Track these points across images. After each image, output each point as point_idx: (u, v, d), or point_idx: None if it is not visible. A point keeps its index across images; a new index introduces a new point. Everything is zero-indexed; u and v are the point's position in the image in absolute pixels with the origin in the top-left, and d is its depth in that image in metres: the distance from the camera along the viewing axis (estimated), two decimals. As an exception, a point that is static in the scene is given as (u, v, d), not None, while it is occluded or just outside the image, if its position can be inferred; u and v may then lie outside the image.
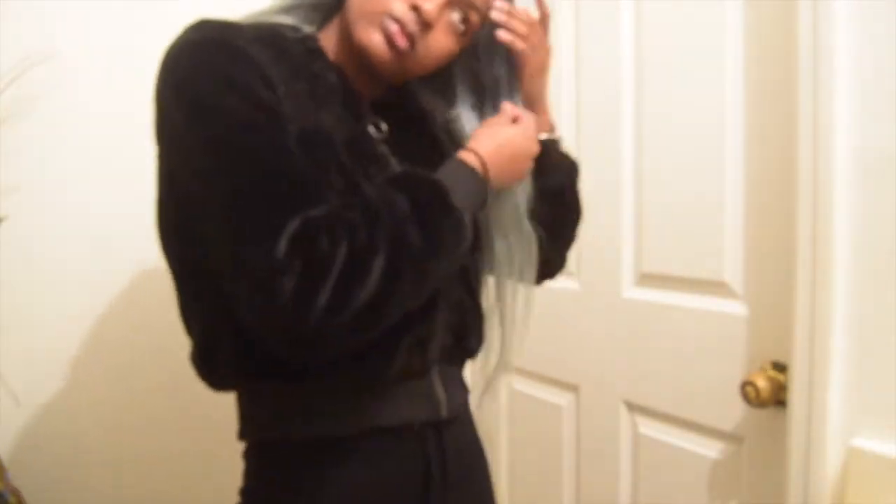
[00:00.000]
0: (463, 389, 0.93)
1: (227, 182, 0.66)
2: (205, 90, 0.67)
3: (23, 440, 1.23)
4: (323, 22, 0.81)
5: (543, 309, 1.37)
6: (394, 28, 0.73)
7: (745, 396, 0.94)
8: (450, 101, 0.86)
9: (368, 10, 0.74)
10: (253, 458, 0.81)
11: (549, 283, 1.34)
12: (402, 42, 0.73)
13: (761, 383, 0.93)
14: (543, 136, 0.87)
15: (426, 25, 0.74)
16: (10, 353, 1.20)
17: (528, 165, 0.81)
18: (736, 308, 1.02)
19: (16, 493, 1.10)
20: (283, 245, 0.62)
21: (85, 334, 1.28)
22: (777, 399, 0.93)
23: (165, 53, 0.70)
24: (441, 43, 0.77)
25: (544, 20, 0.85)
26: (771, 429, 0.96)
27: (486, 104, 0.83)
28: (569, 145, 1.28)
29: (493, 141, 0.77)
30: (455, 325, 0.85)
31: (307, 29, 0.79)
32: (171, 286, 0.77)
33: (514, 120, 0.79)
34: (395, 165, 0.78)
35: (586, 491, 1.30)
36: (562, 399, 1.35)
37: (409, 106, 0.88)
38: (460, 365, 0.92)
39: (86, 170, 1.25)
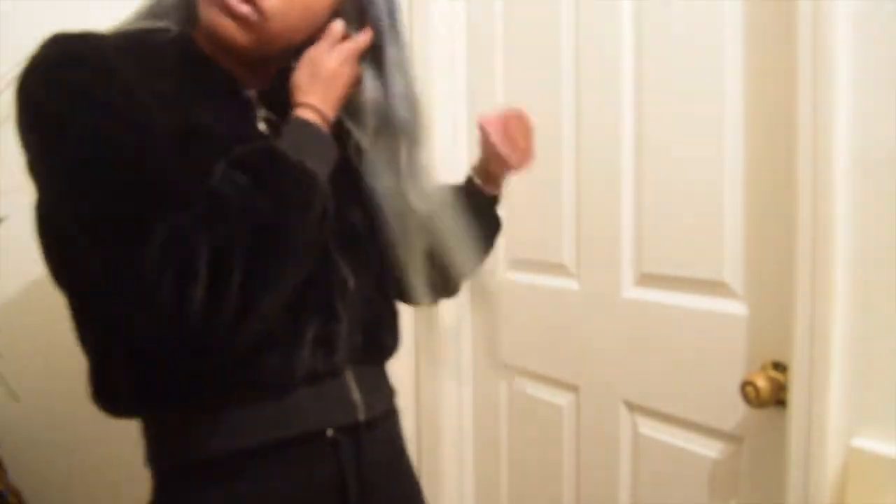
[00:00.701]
0: (385, 390, 0.89)
1: (90, 198, 0.63)
2: (60, 109, 0.64)
3: (23, 440, 1.23)
4: (196, 22, 0.76)
5: (543, 309, 1.38)
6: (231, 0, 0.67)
7: (745, 396, 0.94)
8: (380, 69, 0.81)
9: None
10: (160, 479, 0.77)
11: (549, 283, 1.35)
12: (240, 7, 0.68)
13: (761, 383, 0.93)
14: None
15: None
16: (10, 353, 1.20)
17: (347, 71, 0.76)
18: (736, 308, 1.02)
19: (16, 493, 1.10)
20: (151, 254, 0.60)
21: (85, 334, 1.28)
22: (777, 399, 0.93)
23: (20, 72, 0.67)
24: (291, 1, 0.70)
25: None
26: (771, 429, 0.96)
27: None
28: (569, 145, 1.29)
29: (314, 79, 0.74)
30: (365, 322, 0.81)
31: (176, 30, 0.75)
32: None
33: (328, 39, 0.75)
34: None
35: (586, 491, 1.30)
36: (562, 399, 1.35)
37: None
38: (380, 364, 0.88)
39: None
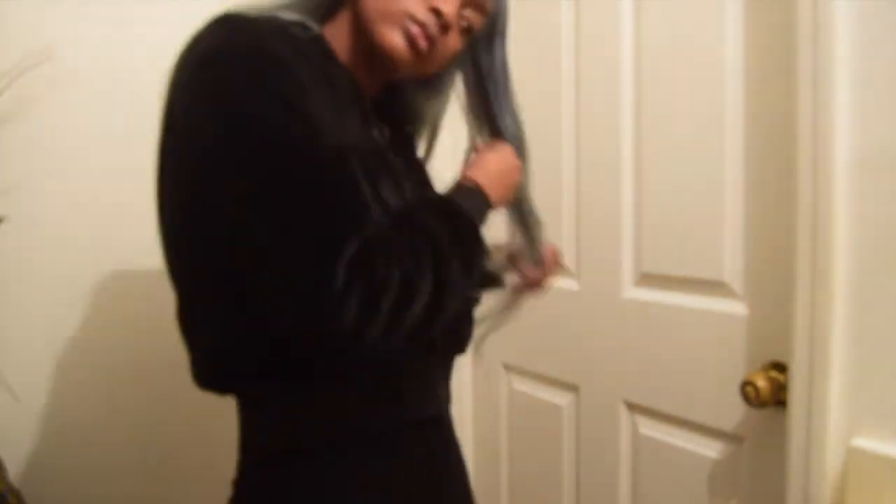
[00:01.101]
0: (450, 385, 0.95)
1: (278, 205, 0.63)
2: (249, 104, 0.64)
3: (23, 440, 1.23)
4: (323, 19, 0.79)
5: (543, 309, 1.37)
6: (416, 30, 0.73)
7: (745, 396, 0.94)
8: (442, 96, 0.91)
9: (388, 11, 0.74)
10: (258, 468, 0.76)
11: (549, 283, 1.35)
12: (424, 44, 0.74)
13: (761, 383, 0.93)
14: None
15: (445, 28, 0.75)
16: (10, 353, 1.20)
17: (515, 179, 0.86)
18: (736, 308, 1.02)
19: (16, 493, 1.10)
20: (342, 271, 0.62)
21: (85, 334, 1.28)
22: (777, 399, 0.93)
23: (192, 53, 0.67)
24: (454, 43, 0.79)
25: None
26: (771, 429, 0.96)
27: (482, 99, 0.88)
28: (569, 146, 1.29)
29: (482, 167, 0.82)
30: (458, 326, 0.86)
31: (315, 27, 0.76)
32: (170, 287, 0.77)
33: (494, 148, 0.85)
34: (404, 174, 0.79)
35: (586, 491, 1.30)
36: (562, 399, 1.35)
37: (393, 105, 0.89)
38: (453, 358, 0.93)
39: (85, 170, 1.25)
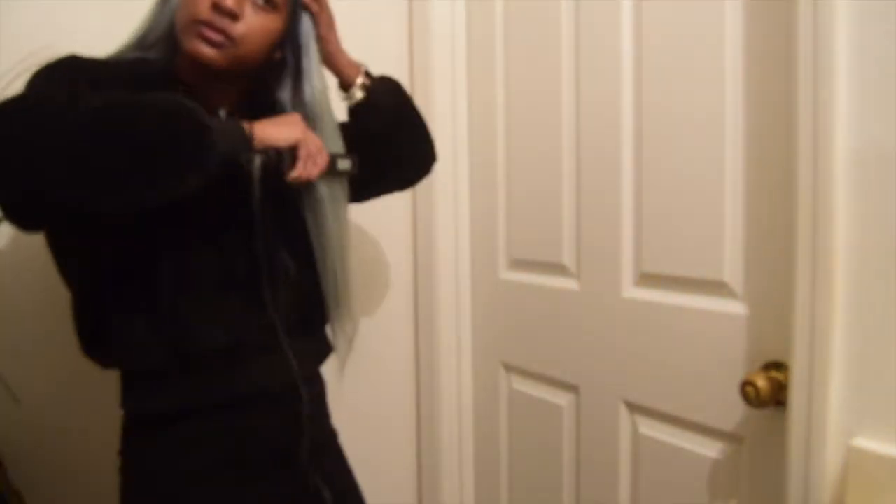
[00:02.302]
0: (318, 355, 1.07)
1: None
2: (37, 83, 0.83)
3: (23, 440, 1.23)
4: (175, 53, 0.92)
5: (543, 309, 1.38)
6: (204, 30, 0.84)
7: (745, 396, 0.94)
8: (280, 78, 0.98)
9: (183, 24, 0.86)
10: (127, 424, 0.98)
11: (549, 283, 1.35)
12: (216, 37, 0.85)
13: (761, 383, 0.93)
14: (359, 80, 1.03)
15: (232, 16, 0.85)
16: (10, 353, 1.20)
17: (292, 128, 0.89)
18: (735, 308, 1.02)
19: (16, 493, 1.10)
20: None
21: (85, 334, 1.28)
22: (777, 399, 0.93)
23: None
24: (255, 24, 0.88)
25: None
26: (771, 429, 0.97)
27: (301, 69, 0.96)
28: (569, 146, 1.29)
29: (264, 121, 0.88)
30: (298, 305, 0.98)
31: (162, 61, 0.92)
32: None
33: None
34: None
35: (586, 491, 1.30)
36: (562, 399, 1.35)
37: (269, 103, 0.98)
38: (312, 336, 1.05)
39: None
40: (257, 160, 0.86)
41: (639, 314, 1.17)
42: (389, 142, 1.06)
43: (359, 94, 1.04)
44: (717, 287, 1.04)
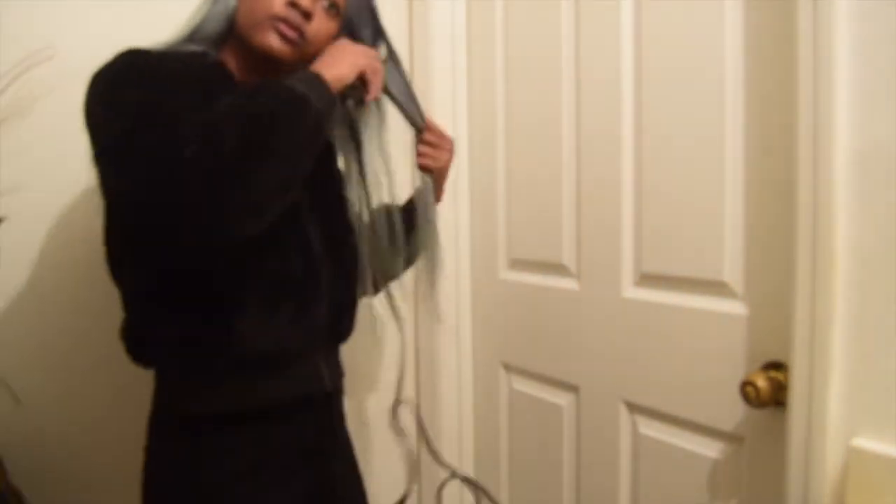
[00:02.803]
0: (340, 366, 1.09)
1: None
2: (123, 92, 0.81)
3: (23, 440, 1.23)
4: (219, 48, 0.96)
5: (543, 309, 1.38)
6: (282, 26, 0.89)
7: (745, 396, 0.94)
8: None
9: (258, 18, 0.89)
10: (162, 424, 0.97)
11: (549, 283, 1.35)
12: (292, 34, 0.90)
13: (761, 383, 0.93)
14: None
15: (307, 15, 0.90)
16: (10, 353, 1.20)
17: (355, 58, 0.92)
18: (735, 308, 1.02)
19: (16, 493, 1.10)
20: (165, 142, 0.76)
21: (85, 335, 1.28)
22: (777, 399, 0.93)
23: (93, 76, 0.83)
24: (322, 26, 0.93)
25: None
26: (771, 429, 0.97)
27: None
28: (569, 145, 1.29)
29: (318, 62, 0.90)
30: (335, 313, 1.01)
31: (213, 55, 0.95)
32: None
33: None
34: None
35: (586, 491, 1.30)
36: (562, 399, 1.35)
37: None
38: (340, 344, 1.08)
39: (86, 170, 1.25)
40: (350, 104, 0.95)
41: (639, 314, 1.17)
42: (417, 244, 1.15)
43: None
44: (717, 287, 1.04)
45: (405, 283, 1.61)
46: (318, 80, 0.84)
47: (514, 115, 1.43)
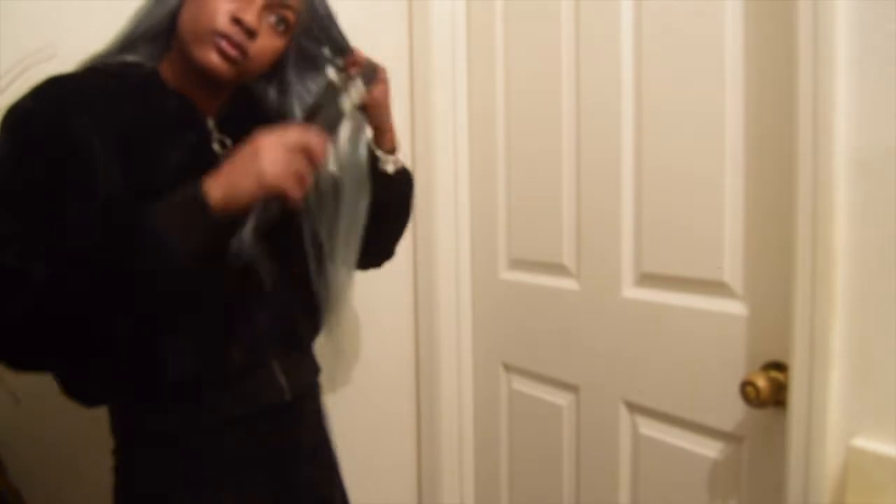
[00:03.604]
0: (307, 371, 1.06)
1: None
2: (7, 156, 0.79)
3: (23, 440, 1.23)
4: (163, 53, 0.92)
5: (543, 309, 1.38)
6: (223, 43, 0.83)
7: (745, 396, 0.94)
8: (284, 88, 0.99)
9: (199, 32, 0.84)
10: (120, 446, 0.98)
11: (549, 283, 1.35)
12: (234, 53, 0.84)
13: (761, 383, 0.93)
14: (399, 154, 1.07)
15: (250, 34, 0.84)
16: (10, 353, 1.20)
17: (261, 168, 0.78)
18: (735, 308, 1.02)
19: (16, 493, 1.10)
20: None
21: (85, 334, 1.28)
22: (777, 399, 0.93)
23: (14, 106, 0.81)
24: (267, 44, 0.88)
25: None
26: (771, 429, 0.97)
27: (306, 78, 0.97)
28: (569, 145, 1.29)
29: (225, 167, 0.80)
30: (284, 322, 0.97)
31: (149, 65, 0.90)
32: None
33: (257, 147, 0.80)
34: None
35: (586, 491, 1.30)
36: (562, 399, 1.35)
37: (257, 112, 0.99)
38: (299, 351, 1.03)
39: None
40: (267, 215, 0.80)
41: (639, 314, 1.17)
42: (386, 219, 1.08)
43: (390, 167, 1.05)
44: (717, 287, 1.04)
45: (404, 279, 1.61)
46: (196, 209, 0.76)
47: (513, 115, 1.43)
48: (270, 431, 0.97)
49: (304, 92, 0.98)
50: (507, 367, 1.50)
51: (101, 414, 1.31)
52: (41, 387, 1.25)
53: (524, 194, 1.42)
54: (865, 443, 0.82)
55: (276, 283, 0.94)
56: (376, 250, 1.12)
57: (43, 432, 1.25)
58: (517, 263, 1.45)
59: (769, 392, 0.93)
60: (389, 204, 1.07)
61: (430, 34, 1.52)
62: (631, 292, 1.19)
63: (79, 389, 0.92)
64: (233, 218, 0.78)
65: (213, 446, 0.93)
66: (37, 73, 1.13)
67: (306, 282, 1.01)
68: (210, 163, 0.82)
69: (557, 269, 1.34)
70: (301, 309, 1.01)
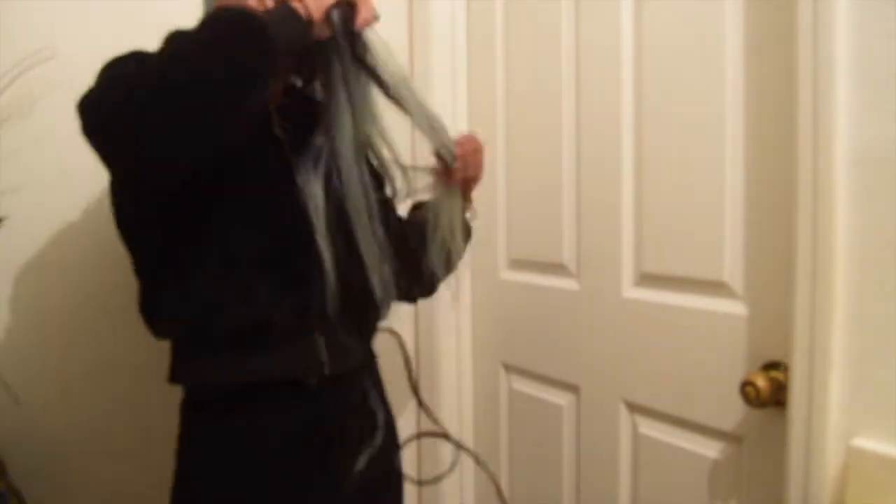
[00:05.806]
0: (355, 353, 1.05)
1: None
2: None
3: (23, 440, 1.23)
4: None
5: (543, 309, 1.38)
6: None
7: (745, 396, 0.94)
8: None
9: None
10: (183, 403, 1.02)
11: (549, 283, 1.35)
12: None
13: (761, 383, 0.93)
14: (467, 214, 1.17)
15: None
16: (10, 353, 1.20)
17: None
18: (735, 308, 1.02)
19: (16, 493, 1.10)
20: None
21: (85, 334, 1.28)
22: (777, 399, 0.93)
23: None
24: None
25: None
26: (771, 429, 0.96)
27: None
28: (569, 145, 1.29)
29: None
30: (340, 292, 0.97)
31: None
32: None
33: None
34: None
35: (586, 491, 1.30)
36: (562, 399, 1.35)
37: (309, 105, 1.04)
38: (347, 331, 1.02)
39: (86, 170, 1.25)
40: (337, 28, 0.90)
41: (639, 314, 1.17)
42: (448, 249, 1.13)
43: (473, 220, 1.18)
44: (717, 287, 1.04)
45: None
46: (289, 10, 0.85)
47: (513, 114, 1.43)
48: (311, 409, 0.99)
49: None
50: (507, 367, 1.50)
51: (102, 414, 1.32)
52: (41, 387, 1.26)
53: (524, 194, 1.42)
54: (865, 443, 0.82)
55: (339, 258, 0.96)
56: (432, 279, 1.18)
57: (43, 432, 1.25)
58: (517, 263, 1.45)
59: (769, 392, 0.93)
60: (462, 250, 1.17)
61: (431, 34, 1.52)
62: (631, 292, 1.19)
63: (154, 306, 0.98)
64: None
65: (257, 414, 0.96)
66: (37, 74, 1.14)
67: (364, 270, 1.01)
68: (273, 145, 0.97)
69: (557, 269, 1.34)
70: (362, 287, 1.01)
